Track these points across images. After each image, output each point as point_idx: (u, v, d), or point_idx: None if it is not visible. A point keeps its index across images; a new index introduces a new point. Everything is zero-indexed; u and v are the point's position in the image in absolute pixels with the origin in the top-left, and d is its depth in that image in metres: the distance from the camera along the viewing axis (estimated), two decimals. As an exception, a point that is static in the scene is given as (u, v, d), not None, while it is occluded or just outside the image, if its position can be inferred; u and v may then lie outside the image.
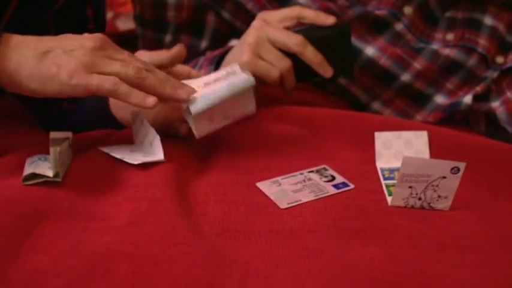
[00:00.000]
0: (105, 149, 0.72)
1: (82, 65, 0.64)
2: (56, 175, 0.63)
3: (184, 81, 0.71)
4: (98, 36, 0.68)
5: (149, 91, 0.66)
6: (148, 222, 0.59)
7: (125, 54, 0.68)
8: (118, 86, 0.64)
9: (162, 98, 0.67)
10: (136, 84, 0.65)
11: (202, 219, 0.61)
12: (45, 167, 0.64)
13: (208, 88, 0.70)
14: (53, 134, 0.69)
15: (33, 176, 0.63)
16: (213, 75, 0.71)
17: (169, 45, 0.99)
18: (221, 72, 0.71)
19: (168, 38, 0.99)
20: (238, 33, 0.98)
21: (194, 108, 0.69)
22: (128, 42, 1.17)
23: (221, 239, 0.58)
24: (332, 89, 0.94)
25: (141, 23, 0.99)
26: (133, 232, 0.57)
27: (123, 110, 0.80)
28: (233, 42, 1.01)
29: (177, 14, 0.96)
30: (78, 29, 0.93)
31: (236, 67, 0.71)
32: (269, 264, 0.55)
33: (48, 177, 0.63)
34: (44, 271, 0.53)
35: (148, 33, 1.00)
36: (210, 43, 0.99)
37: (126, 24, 1.20)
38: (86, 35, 0.68)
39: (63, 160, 0.66)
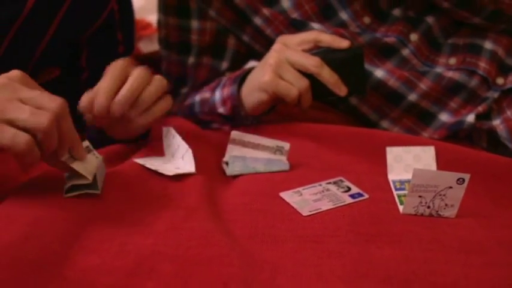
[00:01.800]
0: (140, 161, 0.79)
1: None
2: (94, 183, 0.69)
3: (236, 133, 0.79)
4: (10, 74, 0.65)
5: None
6: (186, 227, 0.65)
7: (37, 92, 0.64)
8: (31, 149, 0.62)
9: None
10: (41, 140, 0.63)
11: (233, 225, 0.68)
12: (79, 178, 0.69)
13: (251, 153, 0.78)
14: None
15: (75, 188, 0.69)
16: (264, 141, 0.80)
17: (192, 67, 1.06)
18: (271, 142, 0.80)
19: (191, 60, 1.06)
20: (256, 55, 1.06)
21: (231, 171, 0.79)
22: (150, 64, 1.24)
23: (251, 242, 0.65)
24: (343, 108, 1.01)
25: (166, 46, 1.07)
26: (173, 236, 0.64)
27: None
28: (251, 63, 1.08)
29: (200, 37, 1.03)
30: (109, 52, 1.00)
31: (287, 146, 0.80)
32: (296, 265, 0.61)
33: (88, 184, 0.69)
34: (94, 270, 0.59)
35: (172, 55, 1.07)
36: (230, 64, 1.06)
37: (148, 46, 1.27)
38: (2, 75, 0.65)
39: (100, 174, 0.72)
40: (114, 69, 0.80)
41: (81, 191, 0.69)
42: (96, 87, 0.79)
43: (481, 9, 0.92)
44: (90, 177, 0.68)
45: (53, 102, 0.63)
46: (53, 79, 1.02)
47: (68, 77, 1.01)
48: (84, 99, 0.78)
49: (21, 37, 0.84)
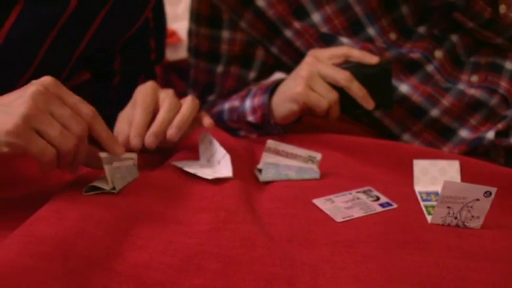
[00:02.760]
0: (178, 164, 0.82)
1: (21, 118, 0.63)
2: (112, 188, 0.72)
3: (272, 142, 0.82)
4: (43, 80, 0.68)
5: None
6: (228, 228, 0.69)
7: (68, 111, 0.67)
8: (53, 161, 0.66)
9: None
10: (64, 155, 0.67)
11: (271, 228, 0.71)
12: (103, 182, 0.73)
13: (284, 161, 0.82)
14: (102, 154, 0.74)
15: (93, 188, 0.73)
16: (297, 151, 0.83)
17: (221, 75, 1.10)
18: (304, 152, 0.83)
19: (219, 68, 1.09)
20: (283, 66, 1.09)
21: (264, 177, 0.82)
22: (176, 71, 1.28)
23: (290, 245, 0.68)
24: (367, 121, 1.04)
25: (195, 54, 1.10)
26: (217, 236, 0.67)
27: None
28: (277, 74, 1.12)
29: (230, 47, 1.07)
30: (142, 58, 1.04)
31: (319, 157, 0.83)
32: (333, 268, 0.64)
33: (104, 189, 0.72)
34: (144, 266, 0.62)
35: (201, 63, 1.10)
36: (257, 74, 1.10)
37: (172, 54, 1.31)
38: (32, 81, 0.68)
39: (121, 175, 0.75)
40: (144, 99, 0.83)
41: (98, 191, 0.72)
42: (129, 120, 0.83)
43: (503, 31, 0.96)
44: (111, 186, 0.72)
45: (79, 125, 0.68)
46: (83, 82, 1.05)
47: (98, 80, 1.04)
48: (120, 136, 0.83)
49: (63, 37, 0.86)
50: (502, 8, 0.95)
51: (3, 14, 0.82)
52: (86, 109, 0.70)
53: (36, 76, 0.70)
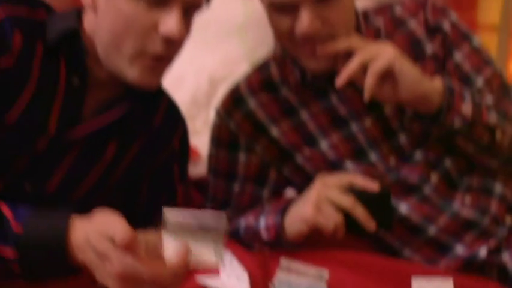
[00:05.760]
0: (202, 280, 0.92)
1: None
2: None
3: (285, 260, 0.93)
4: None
5: None
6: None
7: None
8: None
9: None
10: None
11: None
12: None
13: (296, 278, 0.93)
14: None
15: None
16: (307, 269, 0.95)
17: (237, 193, 1.21)
18: (313, 270, 0.95)
19: (236, 187, 1.20)
20: (294, 185, 1.21)
21: None
22: (196, 186, 1.39)
23: None
24: (370, 237, 1.14)
25: (214, 174, 1.22)
26: None
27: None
28: (289, 192, 1.23)
29: (246, 169, 1.19)
30: (167, 181, 1.14)
31: (327, 275, 0.94)
32: None
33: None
34: None
35: (219, 182, 1.22)
36: (270, 192, 1.21)
37: (193, 170, 1.42)
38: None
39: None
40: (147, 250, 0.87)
41: None
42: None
43: (499, 154, 1.07)
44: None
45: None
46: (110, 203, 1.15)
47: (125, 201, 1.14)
48: None
49: (105, 175, 1.00)
50: (498, 134, 1.06)
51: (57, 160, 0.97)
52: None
53: (84, 200, 0.84)
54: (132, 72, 0.93)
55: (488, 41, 2.42)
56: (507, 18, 2.42)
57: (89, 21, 0.97)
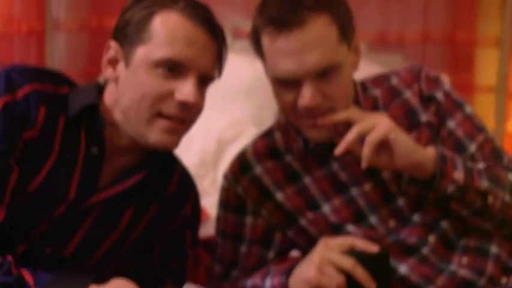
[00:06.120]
0: None
1: None
2: None
3: None
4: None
5: None
6: None
7: None
8: None
9: None
10: None
11: None
12: None
13: None
14: None
15: None
16: None
17: (244, 255, 1.26)
18: None
19: (243, 249, 1.26)
20: (298, 247, 1.26)
21: None
22: (204, 246, 1.45)
23: None
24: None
25: (222, 236, 1.28)
26: None
27: None
28: (294, 253, 1.29)
29: (253, 231, 1.25)
30: (179, 245, 1.21)
31: None
32: None
33: None
34: None
35: (227, 243, 1.28)
36: (276, 254, 1.26)
37: (202, 230, 1.49)
38: None
39: None
40: None
41: None
42: None
43: (492, 217, 1.13)
44: None
45: None
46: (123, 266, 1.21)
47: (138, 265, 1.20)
48: None
49: (120, 239, 1.06)
50: (490, 199, 1.12)
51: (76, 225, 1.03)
52: None
53: (99, 263, 0.90)
54: (150, 134, 1.01)
55: (485, 102, 2.51)
56: (504, 79, 2.51)
57: (110, 92, 1.05)
